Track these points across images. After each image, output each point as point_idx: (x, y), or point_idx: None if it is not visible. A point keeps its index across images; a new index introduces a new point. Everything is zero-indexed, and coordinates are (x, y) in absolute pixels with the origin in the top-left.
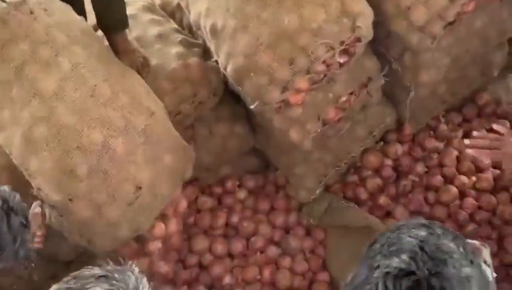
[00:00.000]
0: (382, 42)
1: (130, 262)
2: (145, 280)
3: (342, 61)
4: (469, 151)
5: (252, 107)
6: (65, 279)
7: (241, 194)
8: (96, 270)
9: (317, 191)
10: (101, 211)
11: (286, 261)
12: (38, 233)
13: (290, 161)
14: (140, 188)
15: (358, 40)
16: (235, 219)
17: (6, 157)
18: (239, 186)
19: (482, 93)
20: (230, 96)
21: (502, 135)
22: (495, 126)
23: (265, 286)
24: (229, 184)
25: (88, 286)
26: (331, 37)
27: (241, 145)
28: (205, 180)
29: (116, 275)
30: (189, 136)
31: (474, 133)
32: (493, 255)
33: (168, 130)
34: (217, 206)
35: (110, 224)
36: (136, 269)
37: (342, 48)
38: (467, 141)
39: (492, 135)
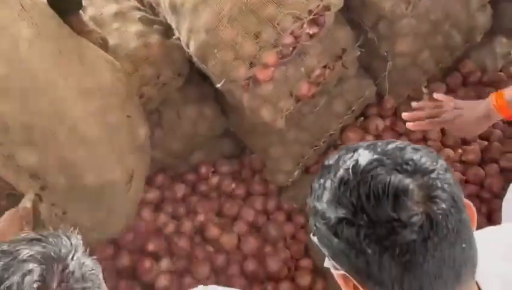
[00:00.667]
0: (355, 10)
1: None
2: (81, 245)
3: (311, 32)
4: (408, 125)
5: (218, 86)
6: None
7: (215, 180)
8: (31, 234)
9: (296, 174)
10: None
11: (267, 249)
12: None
13: (264, 142)
14: None
15: (328, 8)
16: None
17: None
18: (213, 172)
19: (465, 60)
20: (197, 76)
21: (441, 102)
22: (435, 95)
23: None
24: (203, 170)
25: (19, 248)
26: (297, 6)
27: (212, 128)
28: (176, 168)
29: (50, 239)
30: (155, 122)
31: (413, 104)
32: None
33: None
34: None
35: None
36: (75, 235)
37: (310, 17)
38: (404, 115)
39: (429, 103)
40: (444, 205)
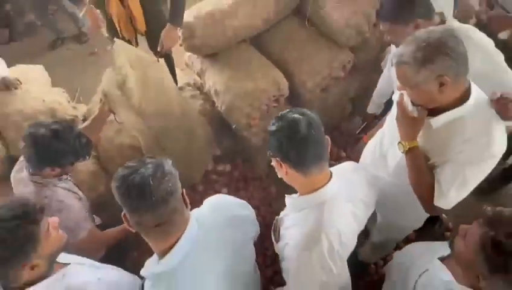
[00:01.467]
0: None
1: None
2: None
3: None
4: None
5: (234, 126)
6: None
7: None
8: (148, 158)
9: None
10: None
11: None
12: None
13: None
14: None
15: (282, 95)
16: None
17: None
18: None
19: None
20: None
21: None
22: None
23: None
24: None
25: (137, 163)
26: (269, 93)
27: None
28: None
29: (156, 158)
30: None
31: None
32: None
33: None
34: None
35: None
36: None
37: (274, 98)
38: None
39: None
40: (315, 124)
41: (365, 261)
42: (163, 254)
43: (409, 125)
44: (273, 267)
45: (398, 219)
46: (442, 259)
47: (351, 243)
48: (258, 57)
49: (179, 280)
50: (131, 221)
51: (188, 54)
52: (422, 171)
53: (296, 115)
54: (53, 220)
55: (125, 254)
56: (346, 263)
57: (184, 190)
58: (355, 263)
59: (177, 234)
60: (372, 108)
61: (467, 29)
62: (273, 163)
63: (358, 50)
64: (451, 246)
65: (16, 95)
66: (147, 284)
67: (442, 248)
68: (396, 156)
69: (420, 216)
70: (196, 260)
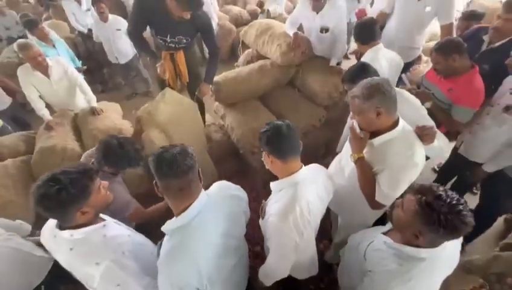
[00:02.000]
0: None
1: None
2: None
3: None
4: None
5: (241, 151)
6: None
7: None
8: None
9: None
10: None
11: None
12: None
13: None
14: None
15: None
16: None
17: None
18: None
19: None
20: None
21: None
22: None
23: None
24: None
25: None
26: None
27: None
28: None
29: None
30: None
31: None
32: None
33: None
34: None
35: None
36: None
37: None
38: None
39: None
40: (292, 127)
41: (329, 261)
42: (180, 213)
43: (357, 143)
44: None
45: (353, 218)
46: (384, 233)
47: (317, 213)
48: (262, 108)
49: (190, 232)
50: (161, 186)
51: (216, 103)
52: (368, 175)
53: (279, 122)
54: (104, 182)
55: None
56: (314, 237)
57: (200, 169)
58: (322, 263)
59: (193, 198)
60: (340, 148)
61: (403, 91)
62: (263, 156)
63: (330, 108)
64: (390, 218)
65: (98, 118)
66: (165, 238)
67: (384, 228)
68: (349, 167)
69: (369, 214)
70: (204, 219)
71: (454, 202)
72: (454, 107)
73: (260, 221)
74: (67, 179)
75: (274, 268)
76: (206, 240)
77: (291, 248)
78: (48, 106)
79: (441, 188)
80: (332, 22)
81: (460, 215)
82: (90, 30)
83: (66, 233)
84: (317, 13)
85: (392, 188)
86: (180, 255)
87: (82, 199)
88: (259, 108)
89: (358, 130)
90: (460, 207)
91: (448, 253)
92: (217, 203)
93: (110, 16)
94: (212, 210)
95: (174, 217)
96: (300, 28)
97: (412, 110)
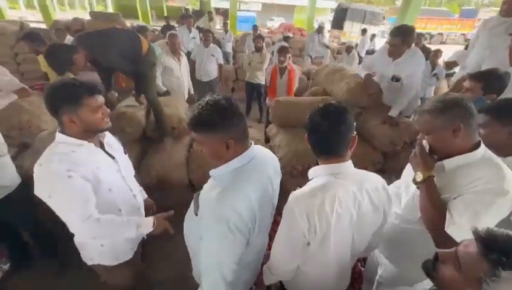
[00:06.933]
0: None
1: None
2: None
3: None
4: None
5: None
6: None
7: None
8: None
9: None
10: None
11: None
12: None
13: None
14: None
15: None
16: None
17: None
18: None
19: None
20: None
21: None
22: None
23: None
24: None
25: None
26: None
27: None
28: None
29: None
30: None
31: None
32: None
33: None
34: None
35: None
36: None
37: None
38: None
39: None
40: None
41: None
42: (233, 159)
43: (425, 159)
44: None
45: (404, 265)
46: None
47: (345, 213)
48: None
49: (244, 174)
50: (234, 132)
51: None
52: (435, 199)
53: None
54: (106, 109)
55: None
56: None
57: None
58: None
59: (248, 145)
60: None
61: None
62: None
63: (389, 157)
64: (431, 277)
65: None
66: (210, 184)
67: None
68: (408, 193)
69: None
70: (256, 164)
71: None
72: None
73: None
74: (75, 81)
75: (277, 260)
76: (258, 182)
77: (297, 239)
78: None
79: None
80: (405, 72)
81: None
82: (189, 52)
83: (57, 135)
84: (393, 60)
85: (468, 218)
86: (233, 191)
87: (73, 106)
88: None
89: (427, 148)
90: None
91: None
92: (267, 157)
93: (211, 44)
94: (263, 162)
95: (225, 163)
96: None
97: None
